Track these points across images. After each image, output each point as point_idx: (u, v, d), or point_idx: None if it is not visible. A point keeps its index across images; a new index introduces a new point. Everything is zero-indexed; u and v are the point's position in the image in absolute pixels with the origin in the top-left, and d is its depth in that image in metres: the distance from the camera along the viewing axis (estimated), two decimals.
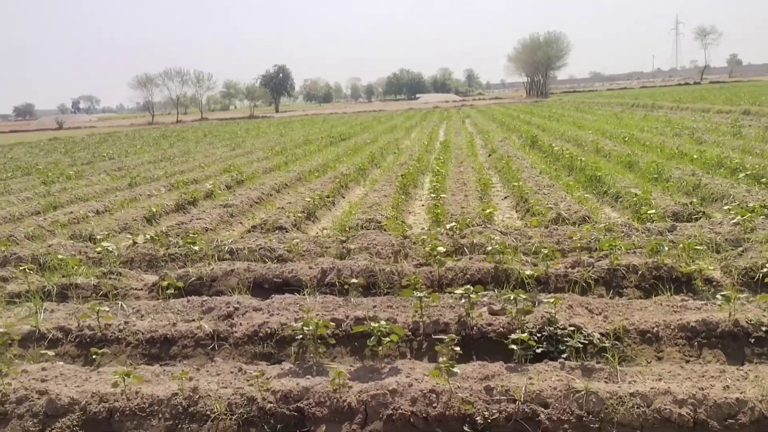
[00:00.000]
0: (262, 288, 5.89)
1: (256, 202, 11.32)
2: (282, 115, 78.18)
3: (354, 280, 5.52)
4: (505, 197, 11.24)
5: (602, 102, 48.77)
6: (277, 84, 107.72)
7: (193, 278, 6.01)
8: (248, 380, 3.84)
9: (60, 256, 6.85)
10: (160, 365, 4.36)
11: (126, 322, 4.93)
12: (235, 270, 6.08)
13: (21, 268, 6.11)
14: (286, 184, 13.34)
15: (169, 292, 5.69)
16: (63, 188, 14.35)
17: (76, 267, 6.53)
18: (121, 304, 5.36)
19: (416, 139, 23.96)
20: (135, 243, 7.71)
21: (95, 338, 4.78)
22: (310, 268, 6.11)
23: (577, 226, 7.74)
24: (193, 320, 4.94)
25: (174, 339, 4.71)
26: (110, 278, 6.21)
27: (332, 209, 10.95)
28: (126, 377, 3.74)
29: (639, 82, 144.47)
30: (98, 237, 8.48)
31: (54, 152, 28.45)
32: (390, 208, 9.58)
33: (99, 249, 7.20)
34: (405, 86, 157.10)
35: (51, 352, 4.54)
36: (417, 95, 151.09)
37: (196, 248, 7.08)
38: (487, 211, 8.58)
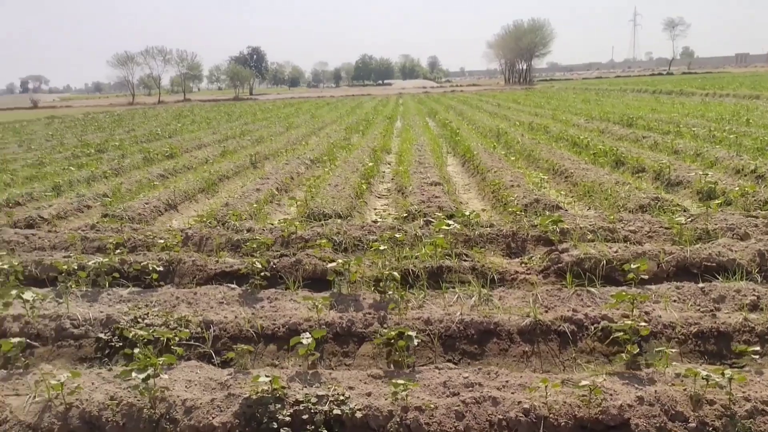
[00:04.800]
0: None
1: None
2: (266, 98, 78.85)
3: None
4: None
5: (609, 89, 49.95)
6: (251, 66, 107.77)
7: None
8: None
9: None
10: None
11: None
12: None
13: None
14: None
15: None
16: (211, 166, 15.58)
17: None
18: None
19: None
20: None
21: None
22: None
23: None
24: None
25: None
26: None
27: None
28: None
29: (599, 72, 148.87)
30: None
31: (87, 130, 29.12)
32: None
33: None
34: (373, 72, 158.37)
35: None
36: (386, 81, 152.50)
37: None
38: None
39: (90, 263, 5.99)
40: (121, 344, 4.83)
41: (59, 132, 27.71)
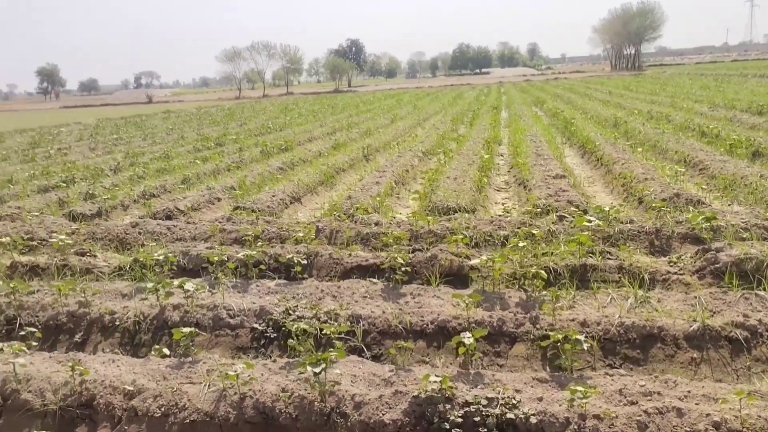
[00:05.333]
0: None
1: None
2: (365, 89, 79.77)
3: None
4: None
5: (727, 74, 46.62)
6: (349, 58, 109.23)
7: None
8: None
9: None
10: None
11: None
12: None
13: None
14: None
15: None
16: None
17: None
18: None
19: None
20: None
21: None
22: None
23: None
24: None
25: None
26: None
27: None
28: None
29: (712, 56, 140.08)
30: None
31: (203, 123, 30.46)
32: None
33: None
34: (471, 61, 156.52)
35: None
36: (483, 70, 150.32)
37: None
38: None
39: (239, 255, 6.21)
40: (275, 335, 4.97)
41: (177, 126, 29.18)
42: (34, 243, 7.94)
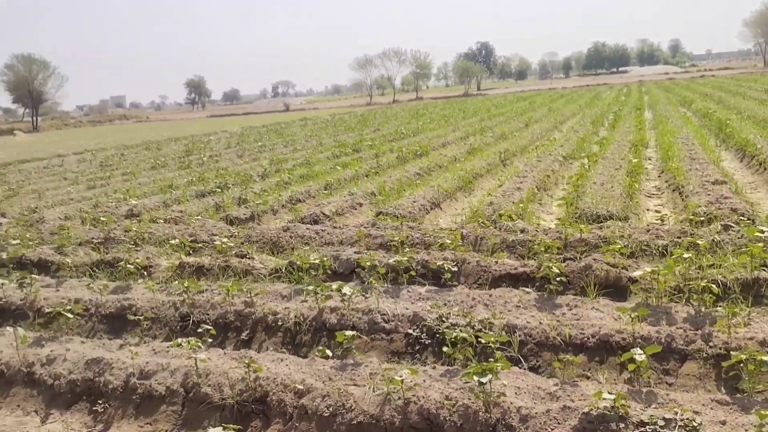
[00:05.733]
0: None
1: None
2: (495, 92, 78.89)
3: None
4: None
5: None
6: (479, 61, 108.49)
7: None
8: None
9: None
10: None
11: None
12: None
13: None
14: None
15: None
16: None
17: None
18: None
19: None
20: None
21: None
22: None
23: None
24: None
25: None
26: None
27: None
28: None
29: None
30: None
31: (338, 130, 31.46)
32: None
33: None
34: (606, 59, 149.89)
35: None
36: (620, 68, 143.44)
37: None
38: None
39: (390, 261, 6.34)
40: (429, 341, 5.01)
41: (315, 133, 30.36)
42: (198, 245, 8.55)
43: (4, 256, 8.51)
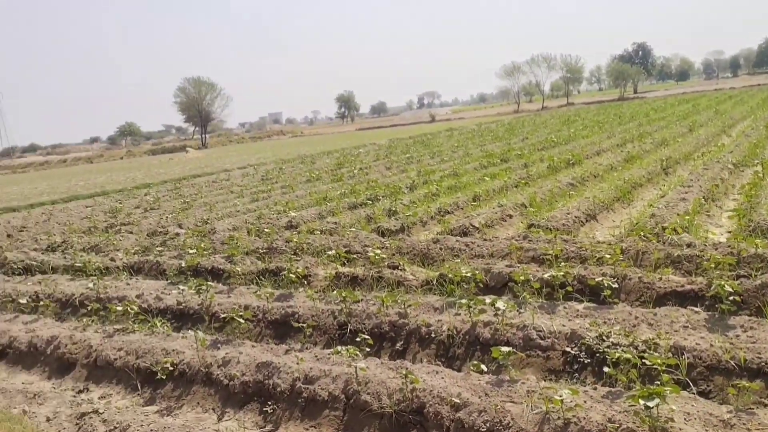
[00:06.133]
0: None
1: None
2: (654, 95, 74.45)
3: None
4: None
5: None
6: (635, 63, 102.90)
7: None
8: None
9: None
10: None
11: None
12: None
13: None
14: None
15: None
16: None
17: None
18: None
19: None
20: None
21: None
22: None
23: None
24: None
25: None
26: None
27: None
28: None
29: None
30: None
31: (484, 140, 31.26)
32: None
33: None
34: None
35: None
36: None
37: None
38: None
39: (545, 275, 6.21)
40: (588, 360, 4.85)
41: (461, 143, 30.41)
42: (353, 256, 8.89)
43: (183, 264, 9.39)
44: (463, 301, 5.52)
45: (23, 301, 8.72)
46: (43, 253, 12.38)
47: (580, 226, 9.72)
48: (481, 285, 6.66)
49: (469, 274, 6.57)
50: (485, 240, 8.85)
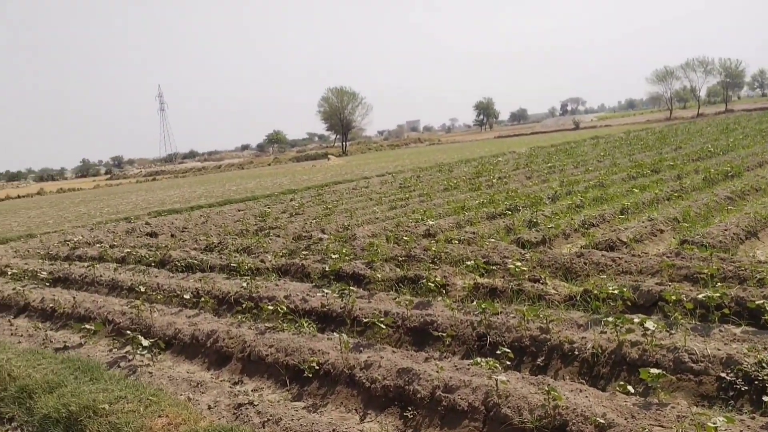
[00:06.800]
0: None
1: None
2: None
3: None
4: None
5: None
6: None
7: None
8: None
9: None
10: None
11: None
12: None
13: None
14: None
15: None
16: None
17: None
18: None
19: None
20: None
21: None
22: None
23: None
24: None
25: None
26: None
27: None
28: None
29: None
30: None
31: (633, 149, 29.72)
32: None
33: None
34: None
35: None
36: None
37: None
38: None
39: (699, 296, 5.85)
40: (746, 387, 4.51)
41: (608, 152, 29.15)
42: (492, 267, 8.85)
43: (326, 268, 9.83)
44: (610, 318, 5.34)
45: (187, 296, 9.55)
46: (202, 253, 13.46)
47: (738, 244, 9.01)
48: (629, 303, 6.39)
49: (616, 291, 6.33)
50: (633, 255, 8.47)
